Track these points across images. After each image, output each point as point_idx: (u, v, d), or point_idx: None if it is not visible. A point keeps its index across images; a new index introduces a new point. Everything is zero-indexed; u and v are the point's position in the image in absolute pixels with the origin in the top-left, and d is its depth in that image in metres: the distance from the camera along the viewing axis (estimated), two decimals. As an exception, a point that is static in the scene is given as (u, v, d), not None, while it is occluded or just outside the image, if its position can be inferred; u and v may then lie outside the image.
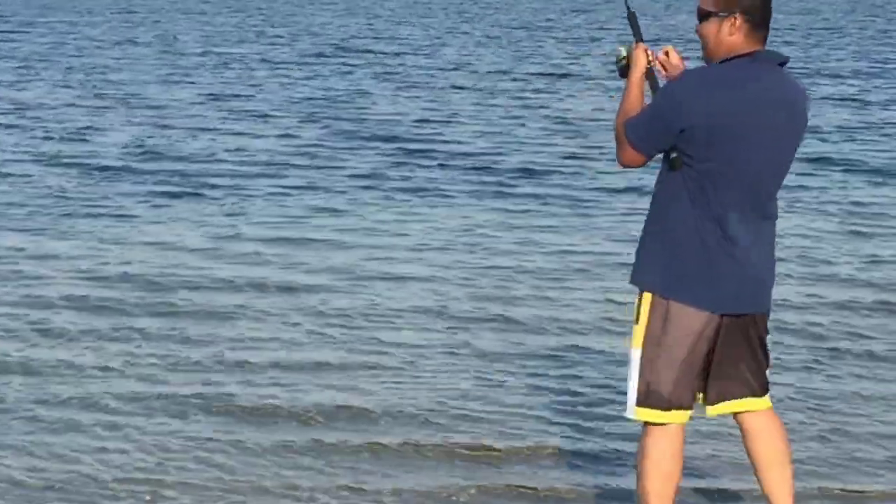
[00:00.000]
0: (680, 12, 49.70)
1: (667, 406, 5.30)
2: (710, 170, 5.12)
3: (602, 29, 41.45)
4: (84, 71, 26.91)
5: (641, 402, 5.30)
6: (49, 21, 41.50)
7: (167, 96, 22.98)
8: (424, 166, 16.35)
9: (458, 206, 13.98)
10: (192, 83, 25.09)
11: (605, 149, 17.72)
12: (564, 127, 19.93)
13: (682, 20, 45.36)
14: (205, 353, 8.83)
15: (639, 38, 5.35)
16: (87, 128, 19.13)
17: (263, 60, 29.98)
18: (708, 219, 5.14)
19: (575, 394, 8.19)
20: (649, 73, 5.33)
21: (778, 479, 5.51)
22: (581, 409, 7.92)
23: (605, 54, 32.40)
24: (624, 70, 5.34)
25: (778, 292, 6.28)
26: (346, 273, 11.05)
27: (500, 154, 17.26)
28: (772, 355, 5.66)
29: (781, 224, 5.68)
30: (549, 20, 46.24)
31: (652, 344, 5.24)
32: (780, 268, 7.08)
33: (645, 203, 5.64)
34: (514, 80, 26.46)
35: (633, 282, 5.34)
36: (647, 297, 5.26)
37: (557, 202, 14.23)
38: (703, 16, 5.21)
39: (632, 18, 5.43)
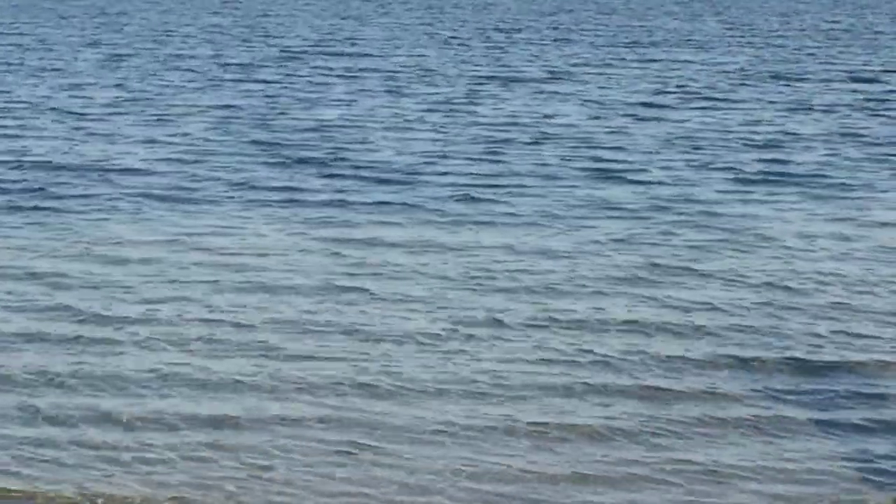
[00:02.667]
0: (660, 14, 49.28)
1: None
2: None
3: (571, 30, 41.06)
4: (21, 73, 26.61)
5: None
6: (13, 23, 41.34)
7: (87, 102, 22.62)
8: (309, 174, 15.99)
9: (312, 207, 13.84)
10: (119, 87, 24.72)
11: (505, 153, 17.36)
12: (477, 131, 19.52)
13: (664, 21, 44.98)
14: None
15: None
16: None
17: (217, 64, 29.67)
18: None
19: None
20: None
21: None
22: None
23: (568, 55, 32.04)
24: None
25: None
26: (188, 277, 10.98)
27: (391, 160, 16.89)
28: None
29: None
30: (518, 20, 45.87)
31: None
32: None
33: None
34: (452, 82, 26.08)
35: None
36: None
37: (408, 208, 13.96)
38: None
39: None
